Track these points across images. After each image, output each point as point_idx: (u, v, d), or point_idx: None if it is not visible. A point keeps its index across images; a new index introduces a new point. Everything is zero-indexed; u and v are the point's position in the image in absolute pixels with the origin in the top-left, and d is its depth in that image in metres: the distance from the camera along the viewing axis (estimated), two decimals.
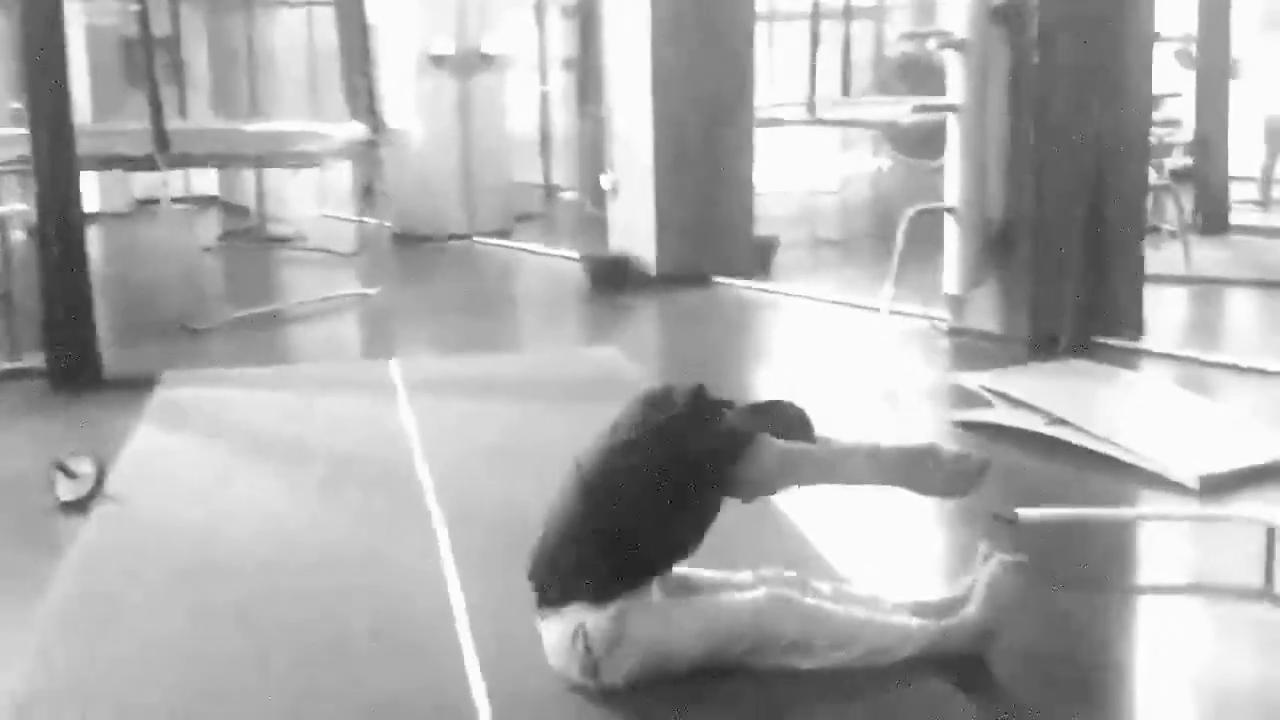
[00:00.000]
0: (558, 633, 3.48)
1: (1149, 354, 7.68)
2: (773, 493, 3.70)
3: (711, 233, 10.49)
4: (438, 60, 12.87)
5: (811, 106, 12.21)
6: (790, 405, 3.70)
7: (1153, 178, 9.72)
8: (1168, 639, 4.22)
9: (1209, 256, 10.45)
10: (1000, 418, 6.19)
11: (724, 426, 3.52)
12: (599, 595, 3.44)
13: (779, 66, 16.11)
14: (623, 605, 3.44)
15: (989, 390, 6.38)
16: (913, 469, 3.58)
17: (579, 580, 3.48)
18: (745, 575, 3.79)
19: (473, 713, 3.43)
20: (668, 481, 3.46)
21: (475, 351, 8.24)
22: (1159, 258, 9.47)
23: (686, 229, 10.40)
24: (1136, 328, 8.06)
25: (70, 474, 5.30)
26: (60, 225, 7.31)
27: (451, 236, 12.74)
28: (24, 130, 7.46)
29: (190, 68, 15.23)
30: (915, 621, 3.69)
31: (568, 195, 15.34)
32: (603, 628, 3.41)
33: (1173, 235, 10.61)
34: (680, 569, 3.74)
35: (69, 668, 3.78)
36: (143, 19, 9.90)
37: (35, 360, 7.42)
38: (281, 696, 3.58)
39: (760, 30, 11.58)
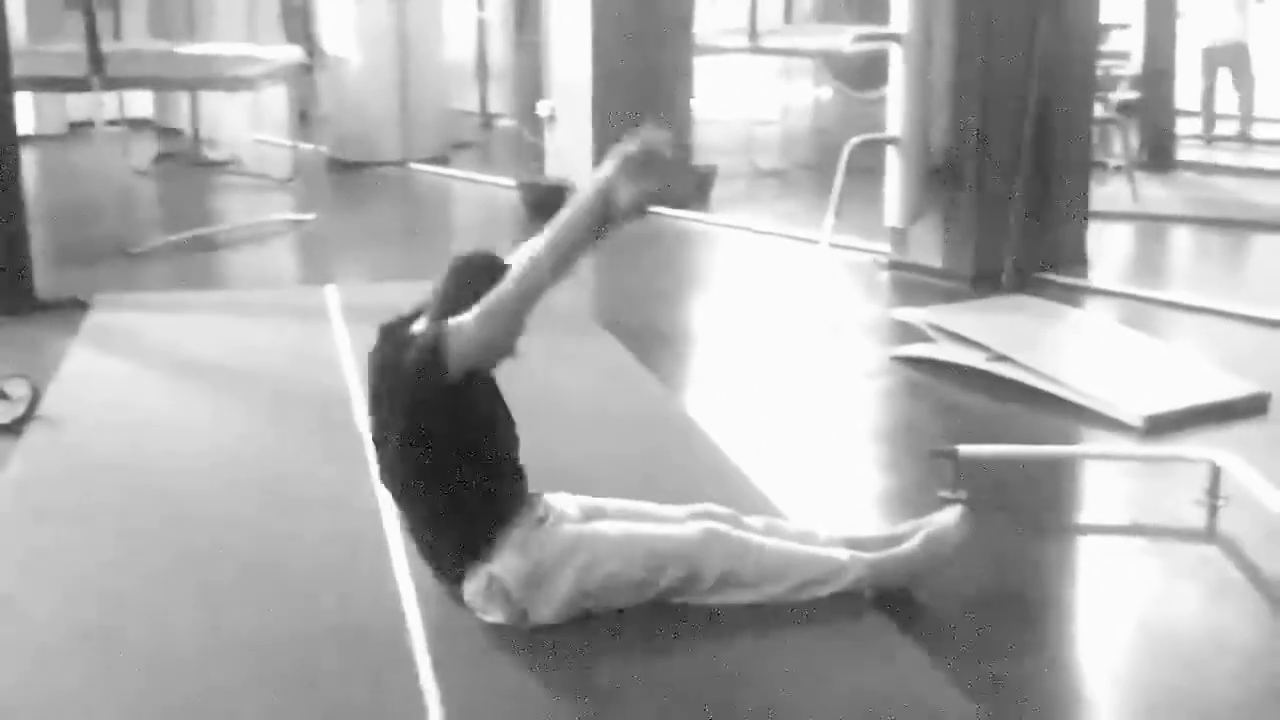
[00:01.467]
0: (474, 591, 3.47)
1: (1093, 291, 7.64)
2: (506, 348, 3.44)
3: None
4: None
5: (752, 34, 12.05)
6: (473, 258, 3.56)
7: (1099, 111, 9.67)
8: (1110, 578, 4.21)
9: (1155, 193, 10.39)
10: (942, 353, 6.15)
11: (416, 345, 3.42)
12: (482, 551, 3.44)
13: None
14: (526, 544, 3.42)
15: (931, 325, 6.32)
16: (587, 216, 3.37)
17: (455, 553, 3.49)
18: (679, 509, 3.74)
19: (406, 638, 3.43)
20: (423, 424, 3.42)
21: (411, 278, 8.05)
22: (1104, 193, 9.43)
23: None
24: (1081, 264, 8.02)
25: (4, 396, 5.34)
26: None
27: (387, 163, 12.56)
28: None
29: None
30: (847, 554, 3.66)
31: (505, 123, 15.14)
32: (514, 572, 3.40)
33: (1118, 170, 10.57)
34: (615, 501, 3.71)
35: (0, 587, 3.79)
36: None
37: None
38: (212, 619, 3.59)
39: None
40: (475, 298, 3.35)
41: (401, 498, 3.56)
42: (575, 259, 3.37)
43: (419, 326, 3.48)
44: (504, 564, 3.41)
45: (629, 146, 3.35)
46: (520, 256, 3.44)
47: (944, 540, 3.75)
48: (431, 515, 3.50)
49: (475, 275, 3.43)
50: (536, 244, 3.37)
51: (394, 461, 3.50)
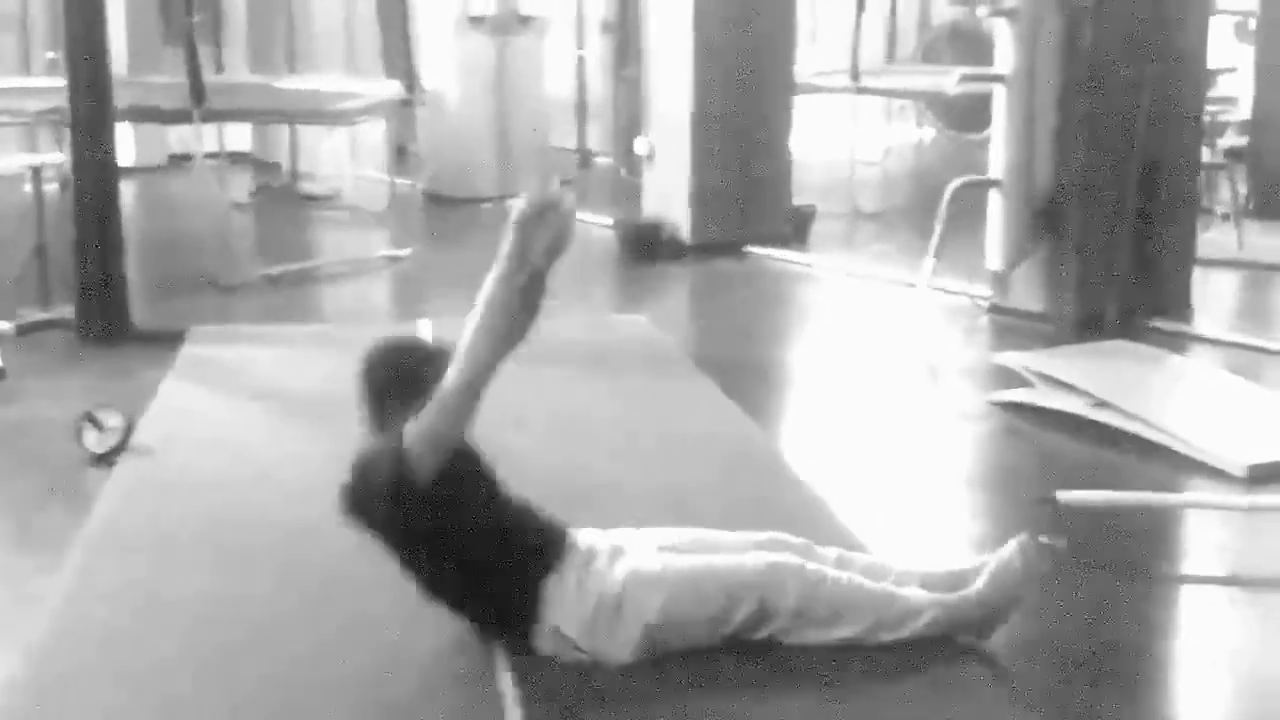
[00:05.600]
0: (543, 645, 3.44)
1: (1198, 338, 7.47)
2: (452, 439, 3.34)
3: (748, 201, 10.32)
4: (476, 20, 12.72)
5: (854, 74, 11.98)
6: (390, 355, 3.56)
7: (1206, 156, 9.50)
8: (1211, 630, 4.12)
9: (1261, 240, 10.16)
10: (1043, 399, 6.04)
11: (377, 468, 3.35)
12: (534, 612, 3.40)
13: (821, 32, 15.90)
14: (565, 584, 3.40)
15: (1031, 371, 6.22)
16: (506, 288, 3.18)
17: (513, 626, 3.45)
18: (749, 538, 3.67)
19: (492, 672, 3.42)
20: (419, 539, 3.41)
21: None
22: (1210, 240, 9.25)
23: (722, 197, 10.22)
24: (1186, 310, 7.85)
25: (99, 426, 5.38)
26: (94, 177, 7.31)
27: (484, 199, 12.61)
28: (61, 80, 7.45)
29: (228, 22, 15.20)
30: (922, 594, 3.58)
31: (602, 160, 15.18)
32: (573, 616, 3.38)
33: (1225, 217, 10.37)
34: (685, 531, 3.68)
35: (93, 617, 3.83)
36: None
37: (66, 312, 7.45)
38: (302, 650, 3.62)
39: None
40: (407, 390, 3.35)
41: (444, 606, 3.52)
42: (511, 335, 3.22)
43: (370, 445, 3.44)
44: (562, 615, 3.38)
45: (521, 205, 3.21)
46: (460, 340, 3.28)
47: (1010, 576, 3.63)
48: (476, 611, 3.49)
49: (401, 369, 3.46)
50: (469, 330, 3.25)
51: (415, 579, 3.49)
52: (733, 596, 3.41)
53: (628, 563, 3.45)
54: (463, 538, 3.41)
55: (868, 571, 3.62)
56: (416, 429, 3.25)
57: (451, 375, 3.22)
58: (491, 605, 3.46)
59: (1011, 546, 3.68)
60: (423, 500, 3.29)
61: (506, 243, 3.17)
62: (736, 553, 3.56)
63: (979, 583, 3.61)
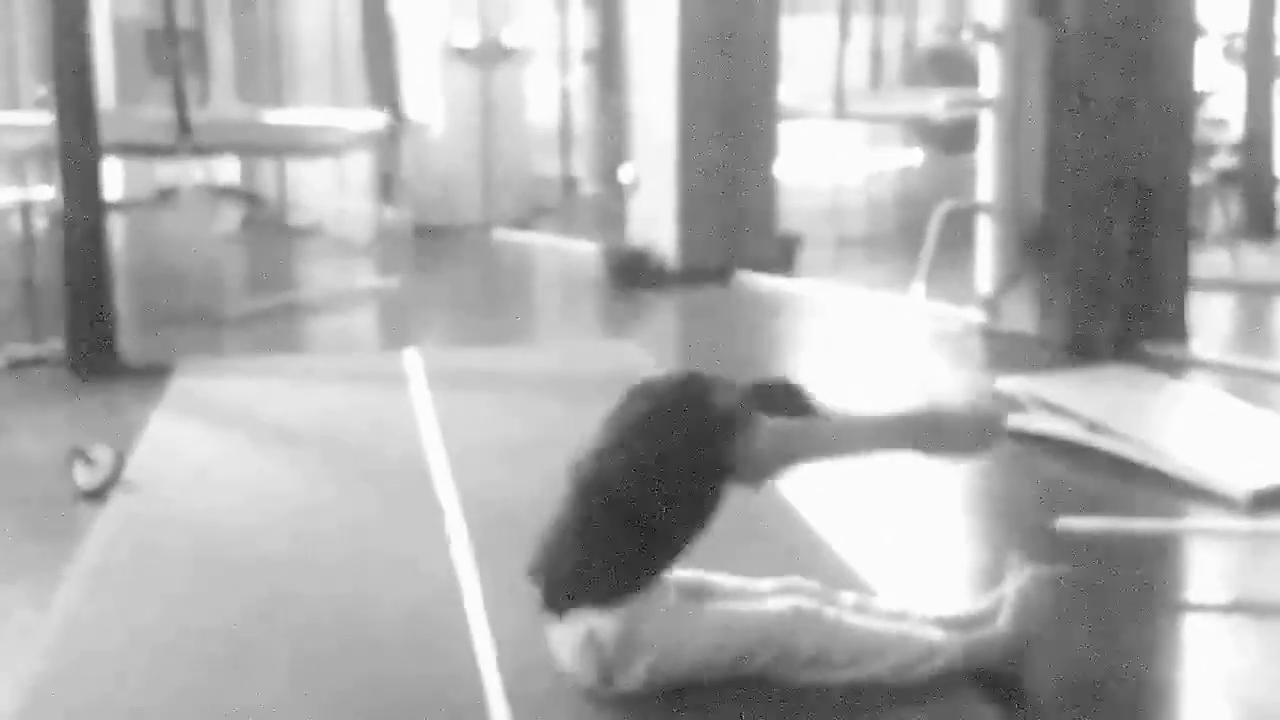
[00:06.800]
0: (567, 637, 3.41)
1: (1194, 361, 7.44)
2: (774, 473, 3.48)
3: (734, 227, 10.31)
4: (460, 52, 12.76)
5: (839, 99, 11.97)
6: (787, 383, 3.57)
7: (1197, 178, 9.49)
8: (1213, 658, 4.08)
9: (1255, 261, 10.15)
10: (1038, 424, 5.99)
11: (718, 407, 3.38)
12: (607, 599, 3.35)
13: (805, 57, 15.91)
14: (633, 608, 3.35)
15: (1027, 395, 6.17)
16: (923, 433, 3.40)
17: (585, 585, 3.38)
18: (767, 584, 3.68)
19: (486, 711, 3.40)
20: (664, 473, 3.37)
21: (492, 344, 8.15)
22: (1203, 261, 9.21)
23: (709, 223, 10.22)
24: (1181, 333, 7.80)
25: (89, 461, 5.36)
26: (83, 211, 7.30)
27: (470, 228, 12.59)
28: (49, 115, 7.44)
29: (214, 54, 15.19)
30: (941, 635, 3.56)
31: (587, 188, 15.17)
32: (614, 631, 3.33)
33: (1218, 239, 10.35)
34: (700, 574, 3.66)
35: (84, 655, 3.81)
36: (168, 8, 9.84)
37: (55, 347, 7.43)
38: (293, 690, 3.59)
39: (786, 20, 11.36)
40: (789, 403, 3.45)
41: (585, 500, 3.44)
42: (873, 452, 3.49)
43: (728, 398, 3.44)
44: (610, 624, 3.33)
45: (984, 408, 3.63)
46: (835, 411, 3.49)
47: (1032, 610, 3.64)
48: (593, 544, 3.40)
49: (782, 401, 3.46)
50: (858, 414, 3.50)
51: (616, 468, 3.41)
52: (752, 647, 3.40)
53: (674, 604, 3.44)
54: (676, 504, 3.40)
55: (887, 617, 3.62)
56: (772, 425, 3.36)
57: (818, 429, 3.44)
58: (603, 564, 3.38)
59: (1026, 580, 3.66)
60: (713, 454, 3.35)
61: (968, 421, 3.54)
62: (758, 600, 3.54)
63: (1001, 622, 3.61)
